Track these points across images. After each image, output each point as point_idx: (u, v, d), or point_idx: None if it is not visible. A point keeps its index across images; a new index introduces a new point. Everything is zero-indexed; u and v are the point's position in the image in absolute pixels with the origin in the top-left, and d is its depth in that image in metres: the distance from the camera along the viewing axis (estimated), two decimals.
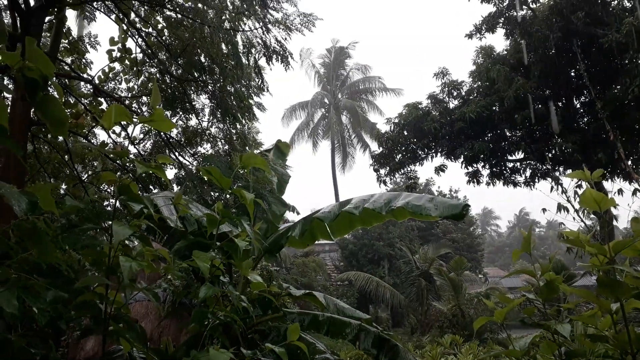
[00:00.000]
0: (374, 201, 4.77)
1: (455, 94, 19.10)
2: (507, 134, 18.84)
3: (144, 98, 8.26)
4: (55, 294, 1.74)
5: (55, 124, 1.59)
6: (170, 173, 8.34)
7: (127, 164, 6.87)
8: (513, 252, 2.20)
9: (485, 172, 19.06)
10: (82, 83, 8.17)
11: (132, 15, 7.52)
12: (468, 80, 19.18)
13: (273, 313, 5.21)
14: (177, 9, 7.30)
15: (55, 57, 6.28)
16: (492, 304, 2.29)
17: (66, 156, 7.34)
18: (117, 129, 8.04)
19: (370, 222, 5.91)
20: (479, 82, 18.51)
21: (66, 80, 7.45)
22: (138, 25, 7.66)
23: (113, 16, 7.66)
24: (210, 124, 8.29)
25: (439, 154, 19.36)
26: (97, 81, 7.80)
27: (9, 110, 4.95)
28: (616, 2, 15.78)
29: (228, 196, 6.63)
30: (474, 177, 19.02)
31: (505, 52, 18.11)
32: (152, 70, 8.29)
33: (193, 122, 8.43)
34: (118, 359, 2.18)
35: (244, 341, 4.56)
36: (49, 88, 1.56)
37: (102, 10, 7.76)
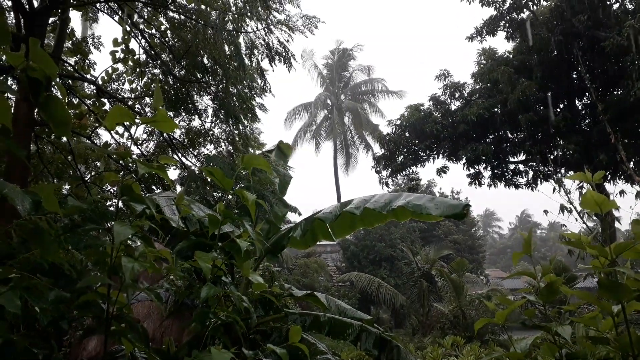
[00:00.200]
0: (375, 201, 4.78)
1: (457, 95, 19.10)
2: (509, 135, 18.82)
3: (147, 99, 8.28)
4: (58, 294, 1.75)
5: (58, 124, 1.60)
6: (174, 174, 8.35)
7: (130, 165, 6.89)
8: (513, 254, 2.20)
9: (487, 173, 19.04)
10: (86, 84, 8.19)
11: (136, 16, 7.54)
12: (470, 82, 19.18)
13: (275, 314, 5.22)
14: (180, 10, 7.32)
15: (58, 58, 6.30)
16: (493, 305, 2.29)
17: (69, 157, 7.36)
18: (120, 129, 8.07)
19: (371, 223, 5.92)
20: (481, 84, 18.50)
21: (69, 81, 7.47)
22: (141, 26, 7.69)
23: (116, 17, 7.69)
24: (213, 124, 8.30)
25: (440, 156, 19.35)
26: (100, 82, 7.82)
27: (12, 111, 4.96)
28: (617, 5, 15.75)
29: (230, 197, 6.64)
30: (476, 178, 19.00)
31: (507, 54, 18.10)
32: (155, 71, 8.31)
33: (196, 123, 8.45)
34: (120, 359, 2.19)
35: (246, 342, 4.57)
36: (52, 89, 1.57)
37: (106, 11, 7.78)
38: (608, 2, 15.45)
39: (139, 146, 8.40)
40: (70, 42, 7.62)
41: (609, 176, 16.82)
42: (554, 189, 16.55)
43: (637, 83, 13.96)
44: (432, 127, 18.12)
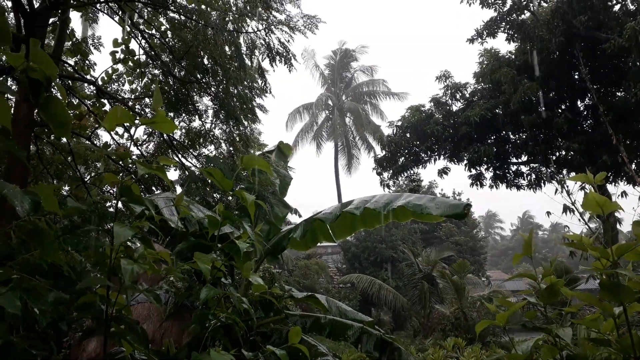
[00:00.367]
0: (375, 201, 4.77)
1: (458, 96, 19.09)
2: (511, 136, 18.81)
3: (147, 99, 8.28)
4: (57, 295, 1.75)
5: (58, 125, 1.60)
6: (174, 175, 8.35)
7: (130, 166, 6.89)
8: (514, 256, 2.19)
9: (489, 174, 19.03)
10: (86, 84, 8.19)
11: (136, 16, 7.54)
12: (471, 82, 19.18)
13: (275, 315, 5.21)
14: (181, 11, 7.32)
15: (58, 59, 6.30)
16: (494, 307, 2.29)
17: (69, 157, 7.35)
18: (120, 130, 8.07)
19: (372, 224, 5.91)
20: (483, 84, 18.49)
21: (69, 82, 7.47)
22: (141, 26, 7.69)
23: (116, 18, 7.69)
24: (213, 125, 8.30)
25: (442, 157, 19.34)
26: (100, 82, 7.82)
27: (12, 112, 4.96)
28: (618, 6, 15.74)
29: (230, 198, 6.64)
30: (477, 179, 18.99)
31: (509, 55, 18.10)
32: (156, 71, 8.31)
33: (196, 123, 8.45)
34: None
35: (246, 343, 4.56)
36: (52, 89, 1.56)
37: (106, 11, 7.78)
38: (609, 4, 15.45)
39: (139, 147, 8.40)
40: (71, 42, 7.62)
41: (611, 177, 16.80)
42: (556, 190, 16.56)
43: (638, 84, 13.95)
44: (433, 128, 18.11)
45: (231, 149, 8.24)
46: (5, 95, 1.52)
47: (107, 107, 7.85)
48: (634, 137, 16.26)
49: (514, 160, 18.99)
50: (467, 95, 18.93)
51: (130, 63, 7.98)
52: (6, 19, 1.46)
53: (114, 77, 8.19)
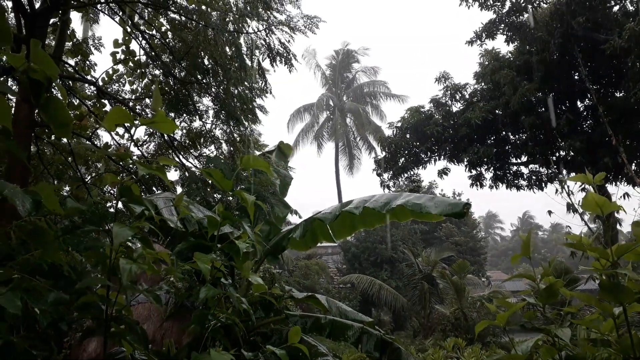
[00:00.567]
0: (374, 201, 4.78)
1: (458, 97, 19.09)
2: (511, 137, 18.81)
3: (148, 100, 8.29)
4: (57, 296, 1.75)
5: (59, 125, 1.60)
6: (175, 175, 8.36)
7: (130, 166, 6.89)
8: (512, 256, 2.19)
9: (489, 175, 19.03)
10: (86, 85, 8.20)
11: (136, 17, 7.55)
12: (471, 83, 19.18)
13: (275, 315, 5.21)
14: (181, 11, 7.33)
15: (59, 59, 6.31)
16: (494, 307, 2.29)
17: (69, 158, 7.36)
18: (121, 130, 8.07)
19: (372, 223, 5.91)
20: (483, 84, 18.49)
21: (70, 82, 7.48)
22: (142, 27, 7.69)
23: (117, 18, 7.70)
24: (213, 126, 8.30)
25: (442, 157, 19.34)
26: (100, 83, 7.83)
27: (13, 112, 4.97)
28: (617, 7, 15.74)
29: (231, 198, 6.64)
30: (477, 180, 18.98)
31: (510, 55, 18.11)
32: (156, 72, 8.32)
33: (197, 124, 8.45)
34: None
35: (246, 343, 4.56)
36: (52, 90, 1.57)
37: (106, 12, 7.79)
38: (608, 5, 15.44)
39: (140, 147, 8.40)
40: (71, 43, 7.62)
41: (611, 178, 16.80)
42: (557, 190, 16.56)
43: (638, 85, 13.95)
44: (433, 129, 18.11)
45: (232, 149, 8.24)
46: (6, 96, 1.53)
47: (108, 108, 7.86)
48: (634, 137, 16.25)
49: (514, 160, 18.99)
50: (467, 96, 18.93)
51: (130, 63, 7.99)
52: (7, 19, 1.47)
53: (114, 77, 8.20)
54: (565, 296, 2.12)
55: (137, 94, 8.43)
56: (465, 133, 17.58)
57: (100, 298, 1.91)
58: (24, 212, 1.53)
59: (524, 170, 19.09)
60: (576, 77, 16.83)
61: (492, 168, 18.75)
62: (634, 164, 16.45)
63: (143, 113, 8.22)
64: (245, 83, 7.67)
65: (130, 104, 8.19)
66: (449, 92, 19.09)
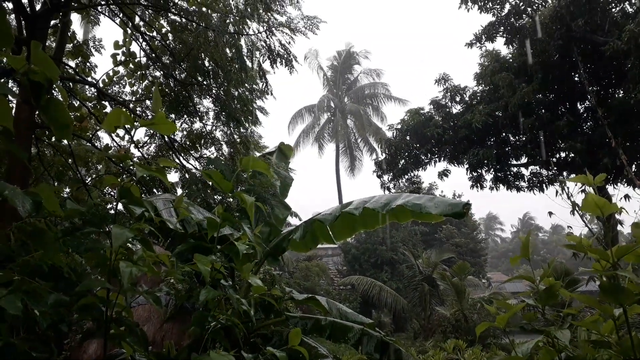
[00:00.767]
0: (374, 202, 4.78)
1: (457, 99, 19.10)
2: (511, 139, 18.81)
3: (148, 102, 8.30)
4: (57, 297, 1.75)
5: (59, 127, 1.60)
6: (175, 176, 8.37)
7: (131, 167, 6.89)
8: (511, 258, 2.19)
9: (489, 176, 19.02)
10: (87, 86, 8.21)
11: (137, 19, 7.56)
12: (472, 84, 19.20)
13: (275, 317, 5.21)
14: (182, 13, 7.34)
15: (59, 61, 6.31)
16: (494, 309, 2.28)
17: (70, 159, 7.37)
18: (121, 132, 8.08)
19: (372, 224, 5.91)
20: (483, 85, 18.51)
21: (70, 84, 7.49)
22: (142, 29, 7.70)
23: (117, 20, 7.71)
24: (214, 127, 8.31)
25: (442, 159, 19.34)
26: (101, 85, 7.84)
27: (13, 113, 4.97)
28: (616, 9, 15.75)
29: (231, 199, 6.64)
30: (478, 181, 18.98)
31: (510, 56, 18.13)
32: (156, 73, 8.33)
33: (197, 125, 8.46)
34: None
35: (246, 345, 4.56)
36: (53, 91, 1.57)
37: (107, 14, 7.80)
38: (607, 7, 15.45)
39: (140, 149, 8.41)
40: (72, 44, 7.64)
41: (612, 179, 16.79)
42: (557, 192, 16.55)
43: (638, 86, 13.95)
44: (433, 130, 18.12)
45: (232, 150, 8.25)
46: (6, 97, 1.53)
47: (108, 109, 7.86)
48: (634, 138, 16.25)
49: (515, 162, 18.98)
50: (467, 99, 18.94)
51: (131, 65, 8.00)
52: (8, 21, 1.47)
53: (114, 79, 8.22)
54: (565, 298, 2.12)
55: (138, 96, 8.44)
56: (465, 135, 17.59)
57: (100, 300, 1.91)
58: (24, 213, 1.53)
59: (525, 171, 19.09)
60: (576, 79, 16.84)
61: (492, 170, 18.75)
62: (634, 166, 16.44)
63: (143, 115, 8.23)
64: (246, 85, 7.68)
65: (131, 105, 8.20)
66: (448, 94, 19.10)
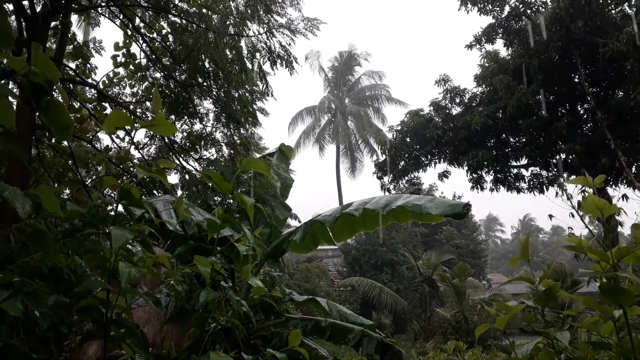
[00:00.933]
0: (374, 202, 4.79)
1: (457, 100, 19.11)
2: (511, 140, 18.81)
3: (148, 103, 8.30)
4: (57, 299, 1.75)
5: (59, 128, 1.60)
6: (175, 178, 8.37)
7: (131, 169, 6.90)
8: (511, 259, 2.19)
9: (489, 178, 19.03)
10: (87, 88, 8.22)
11: (137, 20, 7.57)
12: (472, 85, 19.23)
13: (276, 318, 5.21)
14: (182, 15, 7.34)
15: (60, 62, 6.32)
16: (494, 311, 2.28)
17: (70, 161, 7.37)
18: (122, 133, 8.09)
19: (372, 225, 5.91)
20: (484, 86, 18.52)
21: (71, 85, 7.49)
22: (142, 30, 7.71)
23: (118, 21, 7.71)
24: (214, 128, 8.32)
25: (442, 160, 19.34)
26: (101, 86, 7.84)
27: None
28: (615, 11, 15.76)
29: (231, 201, 6.64)
30: (478, 183, 18.98)
31: (509, 57, 18.15)
32: (157, 75, 8.33)
33: (197, 126, 8.47)
34: None
35: (247, 347, 4.56)
36: (53, 93, 1.57)
37: (107, 15, 7.81)
38: (607, 9, 15.47)
39: (140, 150, 8.42)
40: (72, 46, 7.64)
41: (612, 180, 16.79)
42: (557, 193, 16.53)
43: (638, 88, 13.95)
44: (433, 132, 18.12)
45: (232, 152, 8.25)
46: (7, 98, 1.53)
47: (108, 111, 7.87)
48: (634, 139, 16.25)
49: (515, 163, 18.98)
50: (466, 100, 18.95)
51: (131, 66, 8.00)
52: (8, 22, 1.47)
53: (115, 80, 8.22)
54: (565, 299, 2.12)
55: (138, 97, 8.44)
56: (464, 136, 17.59)
57: (100, 301, 1.91)
58: (24, 214, 1.53)
59: (525, 172, 19.10)
60: (576, 80, 16.86)
61: (492, 171, 18.75)
62: (634, 167, 16.43)
63: (143, 116, 8.24)
64: (246, 86, 7.68)
65: (131, 107, 8.21)
66: (448, 95, 19.11)
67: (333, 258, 37.15)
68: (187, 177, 7.75)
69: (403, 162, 19.65)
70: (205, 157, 8.46)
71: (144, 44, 7.77)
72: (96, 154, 7.76)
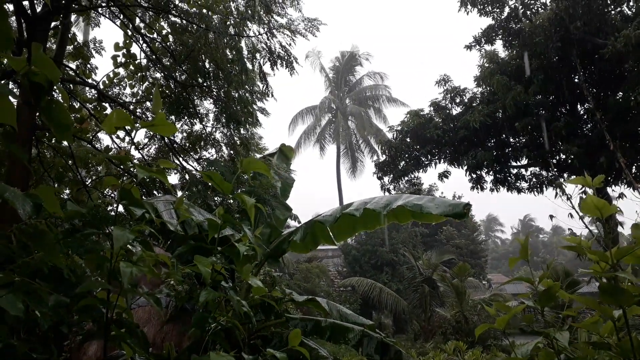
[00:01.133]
0: (375, 202, 4.79)
1: (457, 100, 19.12)
2: (511, 140, 18.82)
3: (148, 103, 8.30)
4: (58, 299, 1.75)
5: (60, 128, 1.60)
6: (175, 178, 8.37)
7: (131, 169, 6.90)
8: (510, 259, 2.19)
9: (489, 178, 19.04)
10: (87, 88, 8.22)
11: (137, 20, 7.57)
12: (472, 85, 19.24)
13: (276, 319, 5.21)
14: (182, 15, 7.34)
15: (60, 63, 6.32)
16: (493, 311, 2.28)
17: (70, 161, 7.37)
18: (122, 133, 8.09)
19: (372, 225, 5.92)
20: (484, 86, 18.54)
21: (71, 85, 7.49)
22: (143, 30, 7.71)
23: (118, 22, 7.72)
24: (214, 129, 8.31)
25: (442, 160, 19.35)
26: (101, 86, 7.85)
27: None
28: (615, 12, 15.77)
29: (232, 201, 6.65)
30: (478, 183, 18.98)
31: (508, 58, 18.17)
32: (157, 75, 8.34)
33: (197, 127, 8.47)
34: None
35: (246, 347, 4.56)
36: (54, 93, 1.57)
37: (107, 16, 7.81)
38: (606, 10, 15.47)
39: (140, 150, 8.42)
40: (72, 46, 7.65)
41: (612, 180, 16.79)
42: (556, 194, 16.55)
43: (637, 88, 13.96)
44: (433, 132, 18.13)
45: (232, 152, 8.25)
46: (7, 98, 1.53)
47: (109, 111, 7.87)
48: (634, 139, 16.25)
49: (514, 163, 18.99)
50: (466, 100, 18.96)
51: (131, 67, 8.00)
52: (9, 23, 1.47)
53: (115, 80, 8.22)
54: (565, 299, 2.12)
55: (138, 97, 8.44)
56: (464, 135, 17.60)
57: (100, 301, 1.91)
58: (24, 215, 1.53)
59: (525, 173, 19.10)
60: (576, 81, 16.87)
61: (492, 171, 18.76)
62: (634, 167, 16.44)
63: (144, 116, 8.24)
64: (246, 86, 7.68)
65: (131, 107, 8.21)
66: (449, 95, 19.12)
67: (333, 258, 37.17)
68: (187, 177, 7.75)
69: (403, 162, 19.65)
70: (205, 157, 8.46)
71: (144, 44, 7.77)
72: (96, 154, 7.76)
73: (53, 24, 6.33)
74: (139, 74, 8.14)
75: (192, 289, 4.40)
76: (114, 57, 7.85)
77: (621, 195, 14.83)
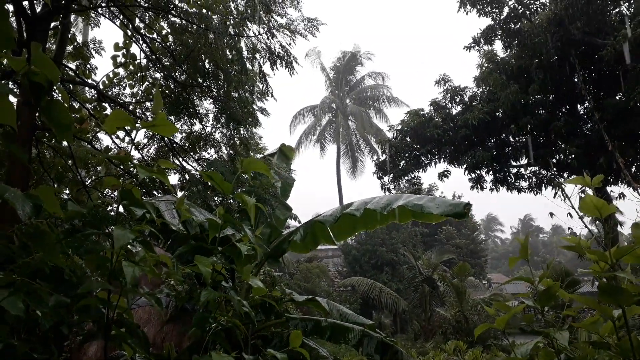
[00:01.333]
0: (375, 202, 4.80)
1: (457, 99, 19.13)
2: (511, 140, 18.82)
3: (148, 103, 8.30)
4: (58, 299, 1.75)
5: (60, 128, 1.60)
6: (175, 178, 8.38)
7: (131, 169, 6.91)
8: (509, 259, 2.19)
9: (489, 177, 19.04)
10: (87, 88, 8.22)
11: (137, 21, 7.57)
12: (472, 85, 19.25)
13: (276, 319, 5.21)
14: (182, 15, 7.35)
15: (60, 63, 6.32)
16: (493, 311, 2.29)
17: (70, 161, 7.37)
18: (122, 134, 8.09)
19: (372, 225, 5.92)
20: (483, 86, 18.55)
21: (71, 86, 7.49)
22: (142, 31, 7.71)
23: (118, 22, 7.72)
24: (214, 129, 8.32)
25: (442, 160, 19.36)
26: (101, 86, 7.85)
27: None
28: (614, 12, 15.77)
29: (232, 201, 6.65)
30: (478, 182, 18.99)
31: (507, 58, 18.18)
32: (157, 75, 8.34)
33: (197, 127, 8.47)
34: None
35: (247, 347, 4.56)
36: (53, 93, 1.57)
37: (107, 16, 7.81)
38: (605, 10, 15.47)
39: (140, 151, 8.42)
40: (72, 46, 7.65)
41: (611, 180, 16.80)
42: (555, 193, 16.55)
43: (637, 88, 13.97)
44: (433, 131, 18.14)
45: (232, 152, 8.25)
46: (7, 98, 1.53)
47: (108, 111, 7.87)
48: (632, 139, 16.25)
49: (514, 163, 19.00)
50: (466, 99, 18.97)
51: (131, 67, 8.00)
52: (9, 23, 1.47)
53: (115, 81, 8.22)
54: (565, 299, 2.12)
55: (138, 98, 8.44)
56: (464, 135, 17.60)
57: (101, 301, 1.91)
58: (24, 216, 1.53)
59: (524, 172, 19.11)
60: (575, 80, 16.88)
61: (492, 171, 18.76)
62: (633, 167, 16.45)
63: (143, 116, 8.24)
64: (246, 86, 7.68)
65: (131, 107, 8.21)
66: (448, 94, 19.13)
67: (333, 258, 37.18)
68: (186, 177, 7.75)
69: (403, 162, 19.66)
70: (204, 157, 8.47)
71: (144, 45, 7.77)
72: (96, 154, 7.76)
73: (53, 24, 6.33)
74: (139, 74, 8.14)
75: (193, 289, 4.41)
76: (114, 57, 7.85)
77: (621, 195, 14.83)
